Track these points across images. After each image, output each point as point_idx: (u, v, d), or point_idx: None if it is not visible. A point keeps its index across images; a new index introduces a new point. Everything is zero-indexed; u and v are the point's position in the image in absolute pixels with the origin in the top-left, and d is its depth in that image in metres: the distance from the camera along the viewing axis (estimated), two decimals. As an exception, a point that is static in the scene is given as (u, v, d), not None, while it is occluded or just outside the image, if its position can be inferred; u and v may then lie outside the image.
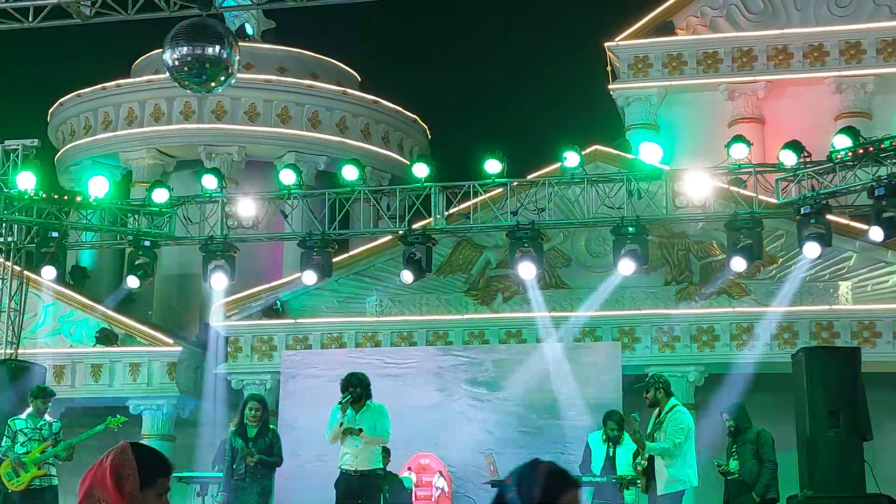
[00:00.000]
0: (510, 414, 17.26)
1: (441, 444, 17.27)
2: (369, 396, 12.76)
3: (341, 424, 12.52)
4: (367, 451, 12.55)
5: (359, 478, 12.51)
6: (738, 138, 15.16)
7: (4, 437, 13.29)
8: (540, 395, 17.22)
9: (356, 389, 12.59)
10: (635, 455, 12.94)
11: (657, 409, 12.50)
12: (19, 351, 17.42)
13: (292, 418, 17.70)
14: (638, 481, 12.89)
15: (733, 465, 13.16)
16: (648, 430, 12.56)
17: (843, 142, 14.38)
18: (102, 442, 14.62)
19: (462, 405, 17.51)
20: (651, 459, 12.39)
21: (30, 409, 13.49)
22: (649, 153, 15.42)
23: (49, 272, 16.32)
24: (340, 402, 12.56)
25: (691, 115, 24.58)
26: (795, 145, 14.70)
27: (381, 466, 12.80)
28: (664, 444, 12.19)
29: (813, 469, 13.53)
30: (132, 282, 16.47)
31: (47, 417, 13.44)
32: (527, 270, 15.76)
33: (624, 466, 13.42)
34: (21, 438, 13.22)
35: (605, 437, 13.82)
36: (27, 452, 13.14)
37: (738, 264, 15.23)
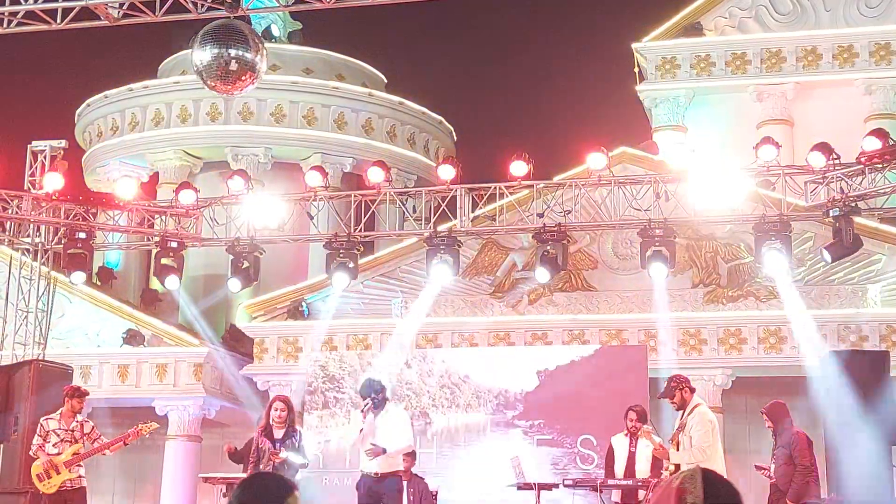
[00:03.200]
0: (536, 417, 17.20)
1: (468, 447, 17.25)
2: (388, 400, 12.76)
3: (361, 430, 12.52)
4: (389, 454, 12.53)
5: (380, 480, 12.50)
6: (767, 140, 15.07)
7: (36, 436, 13.30)
8: (566, 399, 17.17)
9: (378, 395, 12.58)
10: (655, 460, 12.84)
11: (681, 407, 12.33)
12: (46, 351, 17.47)
13: (317, 419, 17.69)
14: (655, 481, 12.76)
15: (773, 468, 13.05)
16: (673, 433, 12.45)
17: (872, 144, 14.26)
18: (134, 451, 14.67)
19: (488, 409, 17.46)
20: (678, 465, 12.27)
21: (63, 409, 13.50)
22: (677, 155, 15.34)
23: (78, 277, 16.38)
24: (362, 410, 12.57)
25: (719, 116, 24.47)
26: (824, 147, 14.58)
27: (402, 468, 12.78)
28: (694, 452, 11.98)
29: (840, 474, 13.44)
30: (170, 283, 16.46)
31: (80, 418, 13.45)
32: (549, 273, 15.70)
33: (643, 464, 13.31)
34: (53, 439, 13.23)
35: (625, 432, 13.73)
36: (59, 454, 13.16)
37: (767, 267, 15.13)
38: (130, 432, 13.79)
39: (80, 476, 13.25)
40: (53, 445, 13.18)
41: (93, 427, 13.48)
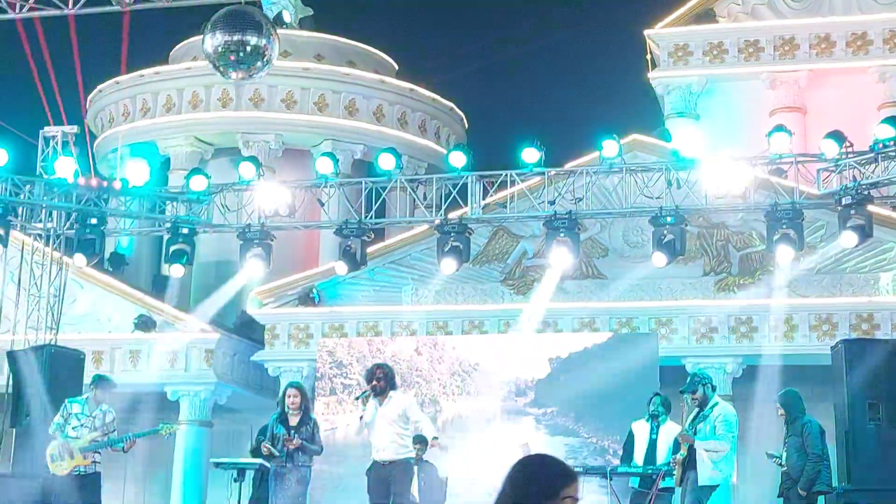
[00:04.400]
0: (547, 404, 17.21)
1: (478, 435, 17.25)
2: (394, 387, 12.73)
3: (361, 418, 12.54)
4: (396, 440, 12.55)
5: (389, 466, 12.52)
6: (780, 128, 15.02)
7: (59, 415, 13.36)
8: (577, 386, 17.17)
9: (379, 383, 12.56)
10: (675, 444, 12.87)
11: (702, 403, 12.44)
12: (58, 336, 17.52)
13: (324, 405, 17.72)
14: (673, 473, 12.80)
15: (785, 457, 13.07)
16: (690, 422, 12.48)
17: (885, 132, 14.20)
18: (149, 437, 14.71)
19: (499, 397, 17.47)
20: (691, 450, 12.30)
21: (89, 395, 13.57)
22: (689, 142, 15.31)
23: (80, 259, 16.38)
24: (357, 397, 12.58)
25: (732, 104, 24.41)
26: (837, 135, 14.54)
27: (413, 455, 12.80)
28: (719, 440, 12.09)
29: (851, 462, 13.43)
30: (176, 271, 16.52)
31: (104, 407, 13.49)
32: (563, 260, 15.69)
33: (663, 451, 13.34)
34: (74, 423, 13.29)
35: (647, 417, 13.73)
36: (77, 438, 13.21)
37: (779, 255, 15.11)
38: (149, 433, 13.85)
39: (93, 462, 13.30)
40: (73, 429, 13.24)
41: (113, 418, 13.52)
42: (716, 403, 12.43)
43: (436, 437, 12.63)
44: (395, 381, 12.75)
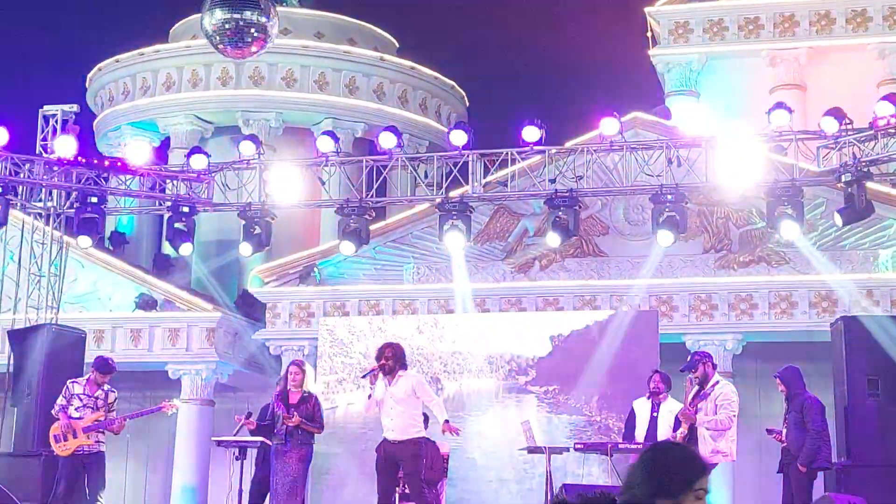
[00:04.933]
0: (549, 383, 17.24)
1: (478, 413, 17.29)
2: (404, 367, 12.74)
3: (370, 396, 12.57)
4: (406, 420, 12.58)
5: (399, 445, 12.55)
6: (780, 105, 15.02)
7: (61, 396, 13.42)
8: (578, 364, 17.20)
9: (388, 362, 12.58)
10: (676, 422, 12.90)
11: (703, 381, 12.47)
12: (59, 316, 17.55)
13: (330, 384, 17.77)
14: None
15: (785, 433, 13.11)
16: (691, 400, 12.51)
17: (885, 109, 14.20)
18: (151, 416, 14.75)
19: (500, 375, 17.51)
20: (692, 429, 12.33)
21: (89, 376, 13.61)
22: (689, 120, 15.31)
23: (84, 241, 16.42)
24: (364, 375, 12.60)
25: (732, 81, 24.38)
26: (837, 112, 14.54)
27: (423, 434, 12.82)
28: (721, 418, 12.14)
29: (851, 437, 13.48)
30: (184, 249, 16.58)
31: (106, 387, 13.54)
32: (560, 239, 15.72)
33: (664, 428, 13.38)
34: (76, 403, 13.34)
35: (647, 395, 13.78)
36: (80, 418, 13.26)
37: (779, 232, 15.13)
38: (154, 408, 13.92)
39: (97, 442, 13.35)
40: (76, 409, 13.29)
41: (115, 399, 13.57)
42: (716, 381, 12.48)
43: (447, 420, 12.65)
44: (405, 360, 12.76)
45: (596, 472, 16.18)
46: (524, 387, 17.40)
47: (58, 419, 13.29)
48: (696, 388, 12.53)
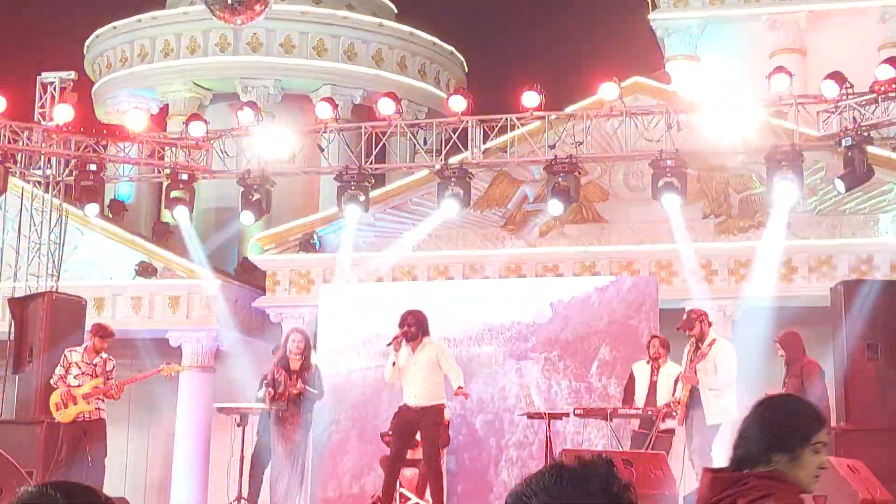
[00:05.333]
0: (549, 345, 17.26)
1: (480, 379, 17.32)
2: (427, 334, 12.80)
3: (394, 364, 12.62)
4: (430, 387, 12.63)
5: (420, 412, 12.62)
6: (780, 69, 14.98)
7: (59, 366, 13.48)
8: (579, 330, 17.22)
9: (411, 329, 12.66)
10: (675, 381, 12.95)
11: (699, 339, 12.49)
12: (59, 283, 17.56)
13: (330, 351, 17.79)
14: (674, 414, 12.88)
15: None
16: (689, 360, 12.55)
17: (886, 73, 14.16)
18: (148, 382, 14.80)
19: (500, 341, 17.52)
20: (692, 391, 12.36)
21: (87, 344, 13.66)
22: (690, 86, 15.28)
23: (92, 209, 16.46)
24: (389, 343, 12.65)
25: (732, 46, 24.29)
26: (837, 76, 14.50)
27: (444, 402, 12.89)
28: (721, 378, 12.18)
29: (850, 401, 13.51)
30: (180, 214, 16.60)
31: (103, 355, 13.59)
32: (560, 205, 15.72)
33: (664, 393, 13.43)
34: (75, 371, 13.40)
35: (647, 360, 13.82)
36: (79, 386, 13.32)
37: (779, 197, 15.13)
38: (153, 371, 13.98)
39: (98, 409, 13.42)
40: (74, 377, 13.36)
41: (113, 367, 13.63)
42: (713, 340, 12.49)
43: (461, 387, 12.73)
44: (428, 326, 12.81)
45: (595, 438, 16.22)
46: (525, 353, 17.41)
47: (57, 388, 13.36)
48: (694, 346, 12.55)
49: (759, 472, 3.08)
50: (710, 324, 12.71)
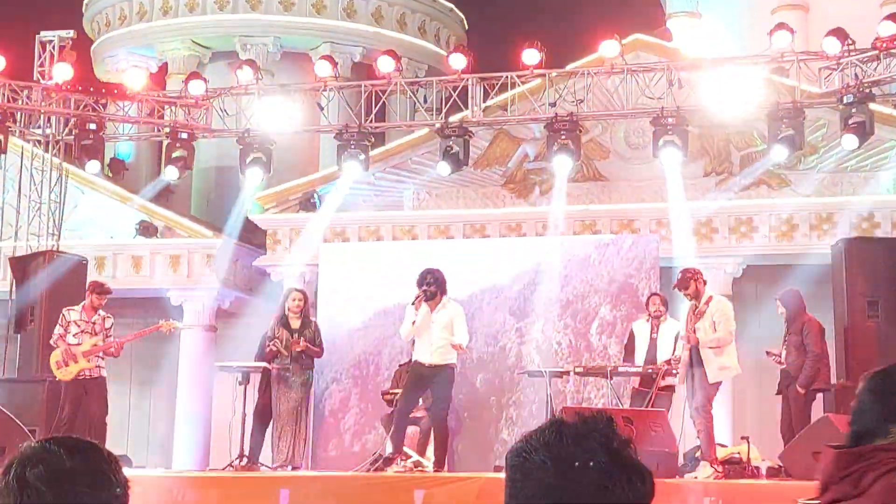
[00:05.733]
0: (549, 304, 17.29)
1: (477, 337, 17.36)
2: (445, 293, 12.88)
3: (413, 322, 12.69)
4: (445, 346, 12.71)
5: (433, 370, 12.71)
6: (781, 26, 14.92)
7: (58, 325, 13.53)
8: (580, 286, 17.24)
9: (430, 287, 12.72)
10: (675, 338, 12.99)
11: (695, 298, 12.50)
12: (60, 243, 17.58)
13: (330, 310, 17.83)
14: (674, 372, 12.91)
15: (784, 355, 13.19)
16: (687, 320, 12.56)
17: (888, 29, 14.11)
18: (150, 341, 14.85)
19: (501, 299, 17.55)
20: (693, 349, 12.38)
21: (85, 302, 13.71)
22: (691, 42, 15.22)
23: (93, 166, 16.46)
24: (412, 302, 12.72)
25: (733, 2, 24.17)
26: (839, 33, 14.45)
27: (455, 362, 12.98)
28: (721, 335, 12.18)
29: (850, 359, 13.56)
30: (171, 173, 16.61)
31: (102, 313, 13.64)
32: (564, 163, 15.70)
33: (664, 350, 13.48)
34: (74, 329, 13.45)
35: (647, 318, 13.85)
36: (79, 344, 13.37)
37: (780, 154, 15.11)
38: (152, 328, 14.03)
39: (97, 366, 13.48)
40: (74, 336, 13.41)
41: (112, 324, 13.68)
42: (710, 297, 12.48)
43: (460, 344, 12.82)
44: (446, 285, 12.88)
45: (595, 397, 16.29)
46: (525, 312, 17.43)
47: (56, 347, 13.41)
48: (691, 305, 12.55)
49: (882, 445, 3.04)
50: (704, 282, 12.68)
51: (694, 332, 12.29)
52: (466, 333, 12.98)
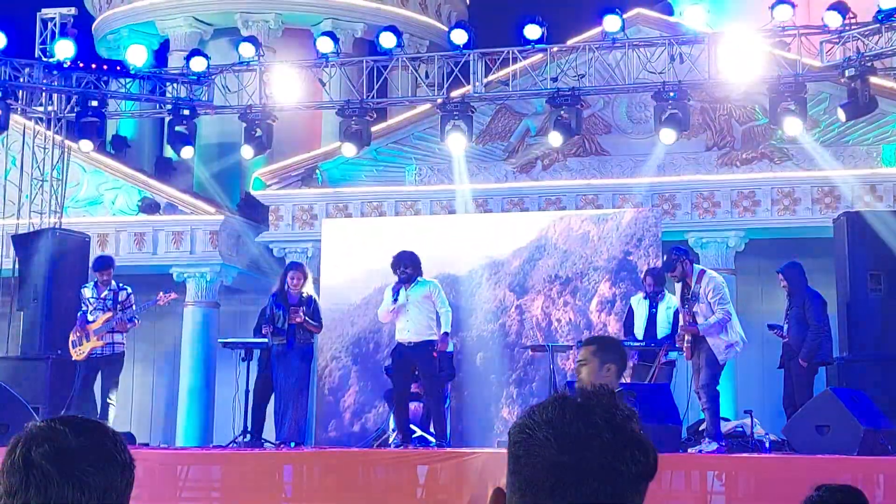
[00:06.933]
0: (550, 281, 17.30)
1: (477, 314, 17.38)
2: (420, 274, 12.96)
3: (394, 306, 12.77)
4: (422, 322, 12.77)
5: (413, 347, 12.76)
6: (782, 0, 14.88)
7: (83, 304, 13.68)
8: (580, 262, 17.25)
9: (405, 269, 12.79)
10: (675, 320, 12.94)
11: (684, 279, 12.23)
12: (63, 220, 17.59)
13: (333, 286, 17.85)
14: (676, 347, 12.85)
15: (787, 328, 13.17)
16: (682, 303, 12.44)
17: (889, 2, 14.07)
18: (153, 317, 14.89)
19: (501, 275, 17.56)
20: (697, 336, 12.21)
21: (95, 279, 13.85)
22: (692, 16, 15.19)
23: (86, 145, 16.46)
24: (394, 297, 12.79)
25: (735, -24, 24.08)
26: (841, 6, 14.41)
27: (436, 336, 13.00)
28: (719, 318, 11.92)
29: (853, 332, 13.57)
30: (186, 153, 16.65)
31: (113, 285, 13.72)
32: (562, 138, 15.71)
33: (663, 327, 13.47)
34: (89, 307, 13.54)
35: (644, 294, 13.85)
36: (93, 321, 13.45)
37: (793, 128, 15.09)
38: (150, 301, 14.07)
39: (111, 343, 13.51)
40: (89, 314, 13.49)
41: (128, 295, 13.72)
42: (698, 274, 12.17)
43: (446, 334, 12.87)
44: (420, 268, 12.99)
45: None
46: (528, 286, 17.45)
47: (76, 325, 13.56)
48: (682, 288, 12.26)
49: None
50: (690, 261, 12.38)
51: (693, 317, 12.04)
52: (448, 308, 13.02)
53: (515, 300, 17.33)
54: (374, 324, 17.25)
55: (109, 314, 13.46)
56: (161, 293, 14.23)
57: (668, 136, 15.37)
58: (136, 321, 13.80)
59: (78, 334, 13.44)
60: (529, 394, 16.42)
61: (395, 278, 12.98)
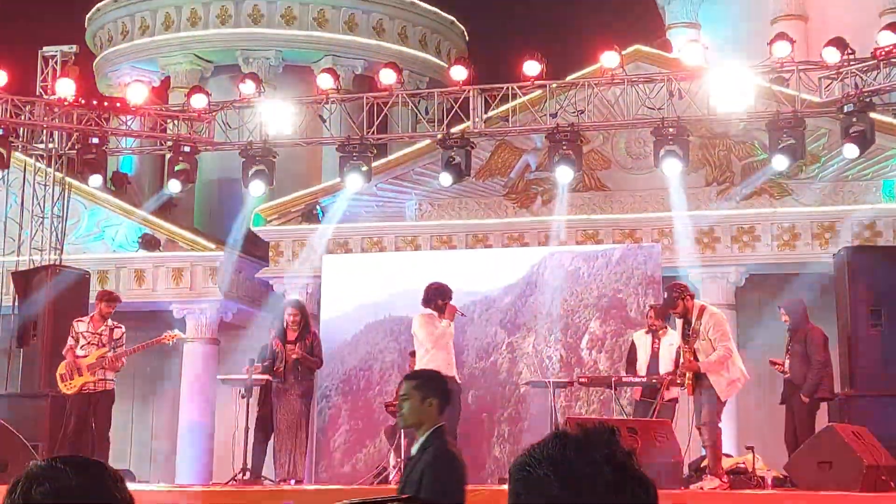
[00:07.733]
0: (541, 318, 17.25)
1: (483, 345, 17.33)
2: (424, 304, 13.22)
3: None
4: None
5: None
6: (781, 36, 14.94)
7: (69, 337, 13.58)
8: (580, 298, 17.23)
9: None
10: (677, 350, 12.88)
11: (685, 315, 12.19)
12: (63, 257, 17.59)
13: (333, 321, 17.82)
14: (678, 383, 12.80)
15: (788, 364, 13.14)
16: (684, 340, 12.41)
17: (887, 38, 14.12)
18: (152, 355, 14.84)
19: (502, 308, 17.52)
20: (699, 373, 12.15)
21: (94, 313, 13.76)
22: (691, 53, 15.24)
23: (95, 180, 16.51)
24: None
25: (733, 12, 24.20)
26: (839, 42, 14.46)
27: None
28: (720, 354, 11.86)
29: (854, 368, 13.55)
30: (174, 186, 16.66)
31: (110, 322, 13.65)
32: (566, 173, 15.73)
33: (666, 361, 13.42)
34: (82, 341, 13.48)
35: (646, 329, 13.82)
36: (85, 356, 13.39)
37: (781, 163, 15.11)
38: (154, 340, 14.02)
39: (102, 380, 13.47)
40: (81, 348, 13.42)
41: (122, 334, 13.67)
42: (699, 309, 12.12)
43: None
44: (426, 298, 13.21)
45: (586, 413, 16.22)
46: (516, 325, 17.37)
47: (65, 359, 13.44)
48: (683, 324, 12.22)
49: None
50: (691, 296, 12.35)
51: (694, 355, 11.99)
52: (426, 342, 13.26)
53: (507, 337, 17.25)
54: (366, 361, 17.20)
55: (104, 350, 13.43)
56: (167, 332, 14.20)
57: (671, 168, 15.37)
58: (123, 362, 13.75)
59: (69, 369, 13.39)
60: (520, 431, 16.31)
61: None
